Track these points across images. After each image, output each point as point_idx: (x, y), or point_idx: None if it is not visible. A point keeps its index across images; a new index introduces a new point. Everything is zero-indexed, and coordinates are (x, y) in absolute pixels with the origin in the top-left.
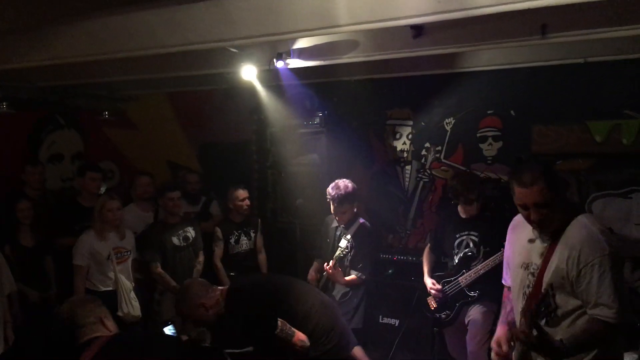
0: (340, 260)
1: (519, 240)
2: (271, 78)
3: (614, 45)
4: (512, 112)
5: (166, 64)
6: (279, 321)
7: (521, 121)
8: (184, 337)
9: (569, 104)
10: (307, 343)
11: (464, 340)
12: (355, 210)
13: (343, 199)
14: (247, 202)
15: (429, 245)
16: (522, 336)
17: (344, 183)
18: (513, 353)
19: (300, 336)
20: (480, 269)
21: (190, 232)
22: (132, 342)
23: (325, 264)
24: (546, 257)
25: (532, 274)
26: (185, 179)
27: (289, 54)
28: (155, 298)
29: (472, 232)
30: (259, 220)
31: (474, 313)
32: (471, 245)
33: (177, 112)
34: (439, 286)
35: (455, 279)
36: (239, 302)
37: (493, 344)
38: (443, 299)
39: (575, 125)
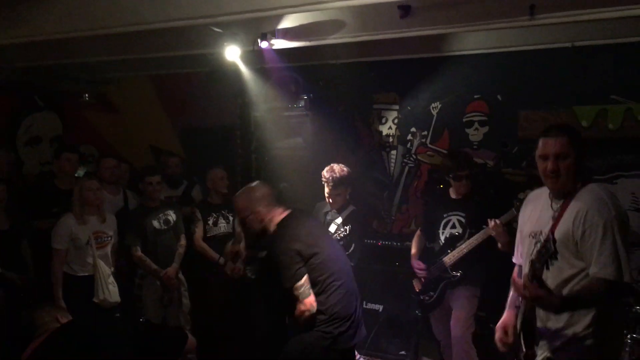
0: None
1: (533, 210)
2: (256, 60)
3: (601, 28)
4: (498, 96)
5: (148, 44)
6: (305, 277)
7: (508, 106)
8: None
9: (555, 88)
10: (312, 311)
11: (449, 324)
12: (347, 196)
13: (338, 181)
14: (226, 181)
15: (419, 229)
16: (522, 289)
17: (339, 166)
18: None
19: (311, 301)
20: (464, 248)
21: (171, 216)
22: (80, 327)
23: None
24: (556, 220)
25: (539, 241)
26: (166, 162)
27: (273, 34)
28: (136, 282)
29: (459, 212)
30: None
31: (458, 297)
32: (457, 225)
33: (159, 96)
34: (423, 265)
35: (440, 259)
36: (285, 236)
37: (498, 329)
38: (427, 280)
39: (562, 110)
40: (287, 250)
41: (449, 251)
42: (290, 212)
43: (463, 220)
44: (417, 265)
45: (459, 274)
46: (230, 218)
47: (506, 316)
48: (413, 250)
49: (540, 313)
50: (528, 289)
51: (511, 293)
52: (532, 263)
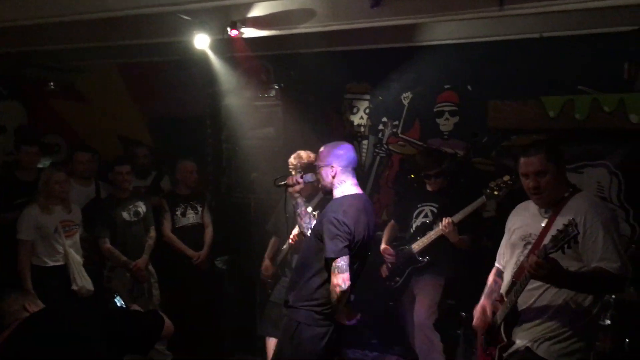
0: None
1: (521, 219)
2: (226, 49)
3: (569, 20)
4: (468, 87)
5: (116, 32)
6: (348, 256)
7: (477, 96)
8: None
9: (524, 79)
10: (343, 288)
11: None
12: (316, 183)
13: (306, 168)
14: (195, 175)
15: (392, 220)
16: (534, 266)
17: (306, 153)
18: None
19: (346, 279)
20: (433, 235)
21: (141, 207)
22: (51, 314)
23: (292, 235)
24: (547, 225)
25: (530, 242)
26: (134, 152)
27: (243, 22)
28: (105, 274)
29: (433, 204)
30: (207, 194)
31: (423, 284)
32: (429, 215)
33: (127, 84)
34: (392, 251)
35: (409, 246)
36: (351, 214)
37: (477, 311)
38: (395, 266)
39: (530, 100)
40: (346, 225)
41: (418, 238)
42: (363, 194)
43: (435, 210)
44: (387, 251)
45: (426, 260)
46: (199, 208)
47: (483, 301)
48: (384, 238)
49: (535, 293)
50: (541, 265)
51: (487, 289)
52: (545, 247)
